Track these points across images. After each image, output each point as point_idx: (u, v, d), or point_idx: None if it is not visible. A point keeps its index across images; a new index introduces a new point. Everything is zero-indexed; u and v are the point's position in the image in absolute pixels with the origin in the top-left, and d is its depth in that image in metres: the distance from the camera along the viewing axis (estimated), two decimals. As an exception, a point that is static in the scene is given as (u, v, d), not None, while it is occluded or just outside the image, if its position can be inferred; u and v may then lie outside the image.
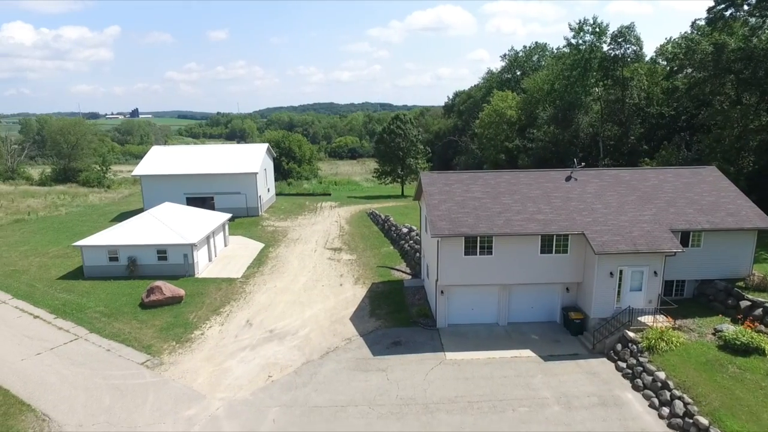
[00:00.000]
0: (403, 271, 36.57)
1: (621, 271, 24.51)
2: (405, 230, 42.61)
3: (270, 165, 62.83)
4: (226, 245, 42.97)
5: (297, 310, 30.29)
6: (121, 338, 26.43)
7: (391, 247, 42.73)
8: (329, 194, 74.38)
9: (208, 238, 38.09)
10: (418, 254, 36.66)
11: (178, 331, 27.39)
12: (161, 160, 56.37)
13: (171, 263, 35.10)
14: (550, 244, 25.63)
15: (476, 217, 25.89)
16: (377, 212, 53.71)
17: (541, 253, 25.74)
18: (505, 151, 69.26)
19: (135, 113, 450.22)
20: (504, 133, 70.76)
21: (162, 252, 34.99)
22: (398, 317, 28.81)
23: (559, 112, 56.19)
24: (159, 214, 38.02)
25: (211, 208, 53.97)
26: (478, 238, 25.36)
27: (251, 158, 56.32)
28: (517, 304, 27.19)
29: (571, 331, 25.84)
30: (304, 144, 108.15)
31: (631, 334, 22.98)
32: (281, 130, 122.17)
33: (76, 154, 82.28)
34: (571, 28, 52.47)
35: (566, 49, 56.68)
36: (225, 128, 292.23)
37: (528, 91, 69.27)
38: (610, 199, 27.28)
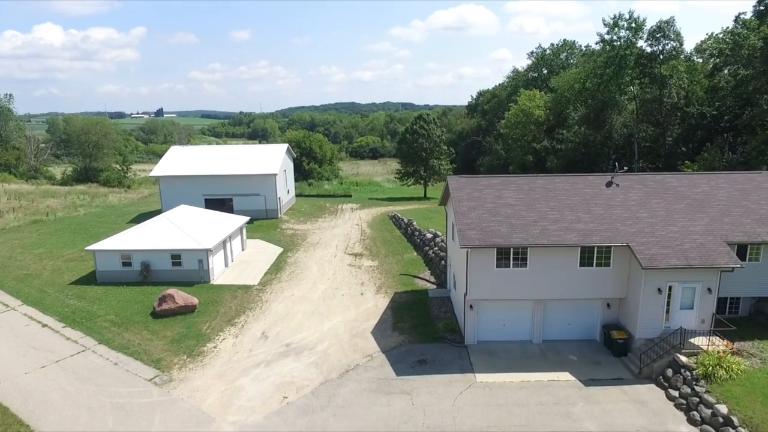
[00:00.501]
0: (427, 280, 34.60)
1: (670, 287, 22.15)
2: (429, 236, 40.60)
3: (290, 166, 61.49)
4: (243, 249, 41.60)
5: (315, 321, 28.60)
6: (130, 350, 25.09)
7: (415, 254, 40.79)
8: (350, 196, 72.78)
9: (224, 242, 36.73)
10: (443, 262, 34.64)
11: (190, 343, 25.95)
12: (180, 160, 55.47)
13: (185, 269, 33.81)
14: (590, 256, 23.38)
15: (509, 226, 23.79)
16: (400, 215, 51.81)
17: (581, 266, 23.52)
18: (532, 152, 66.69)
19: (160, 113, 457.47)
20: (531, 133, 68.18)
21: (176, 257, 33.71)
22: (423, 332, 26.88)
23: (591, 112, 53.48)
24: (174, 218, 36.80)
25: (230, 209, 52.87)
26: (512, 250, 23.27)
27: (271, 159, 55.01)
28: (552, 320, 25.01)
29: (613, 352, 23.55)
30: (325, 144, 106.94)
31: (684, 359, 20.61)
32: (302, 130, 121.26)
33: (97, 153, 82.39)
34: (605, 24, 49.75)
35: (598, 46, 53.86)
36: (247, 128, 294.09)
37: (557, 90, 66.53)
38: (657, 207, 24.86)
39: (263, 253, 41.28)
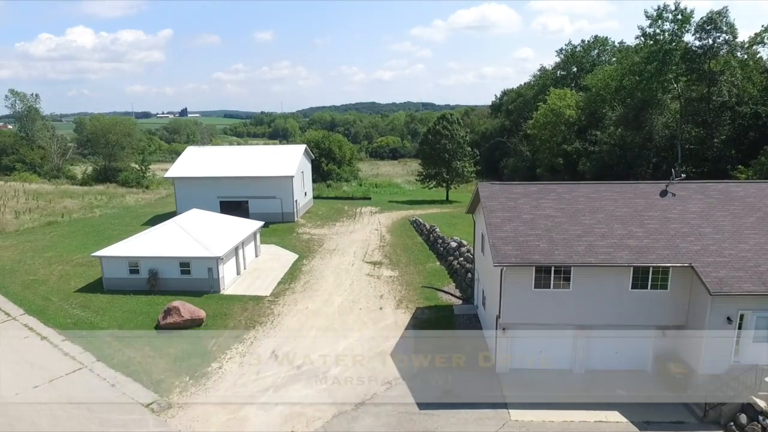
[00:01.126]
0: (452, 294, 31.88)
1: (742, 316, 19.04)
2: (454, 244, 37.84)
3: (308, 167, 59.36)
4: (257, 255, 39.48)
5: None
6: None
7: (438, 263, 38.08)
8: (369, 198, 70.37)
9: (236, 249, 34.61)
10: (469, 275, 31.88)
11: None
12: (195, 161, 53.79)
13: (195, 278, 31.77)
14: (644, 277, 20.39)
15: (550, 241, 20.95)
16: (421, 220, 49.12)
17: (633, 288, 20.56)
18: (562, 154, 63.20)
19: (184, 112, 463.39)
20: (561, 134, 64.71)
21: (185, 265, 31.69)
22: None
23: (630, 112, 49.85)
24: (185, 223, 34.80)
25: (246, 212, 50.96)
26: (553, 269, 20.43)
27: (288, 161, 52.89)
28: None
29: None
30: (345, 144, 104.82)
31: (762, 404, 17.51)
32: (321, 130, 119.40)
33: (117, 153, 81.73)
34: (647, 16, 46.09)
35: (636, 41, 50.17)
36: (268, 127, 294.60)
37: (590, 88, 62.89)
38: (722, 221, 21.70)
39: (277, 260, 39.08)
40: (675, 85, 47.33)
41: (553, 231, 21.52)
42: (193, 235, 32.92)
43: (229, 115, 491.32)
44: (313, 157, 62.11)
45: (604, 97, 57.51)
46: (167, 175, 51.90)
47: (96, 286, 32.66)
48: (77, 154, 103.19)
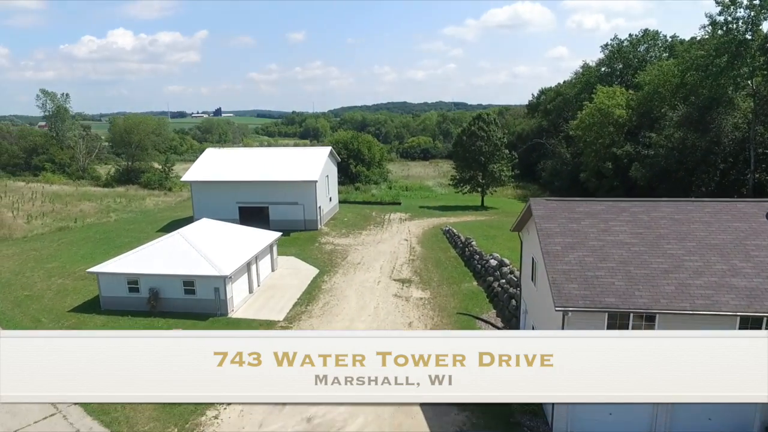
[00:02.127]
0: (492, 325, 27.36)
1: None
2: (494, 263, 33.25)
3: (333, 170, 55.62)
4: (273, 269, 35.82)
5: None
6: (110, 418, 19.51)
7: (474, 283, 33.58)
8: (399, 203, 66.14)
9: (248, 264, 31.00)
10: (513, 301, 27.31)
11: (186, 408, 20.08)
12: (215, 164, 50.75)
13: (200, 298, 28.28)
14: (755, 328, 15.50)
15: (627, 277, 16.29)
16: (455, 231, 44.64)
17: (739, 341, 15.65)
18: (611, 157, 57.53)
19: (218, 112, 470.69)
20: (609, 136, 58.99)
21: (189, 284, 28.21)
22: (490, 410, 19.75)
23: (694, 112, 44.06)
24: (192, 235, 31.33)
25: (266, 219, 47.65)
26: (631, 315, 15.78)
27: (311, 164, 49.22)
28: (684, 409, 17.25)
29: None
30: (374, 145, 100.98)
31: None
32: (350, 131, 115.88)
33: (139, 153, 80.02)
34: (717, 2, 40.22)
35: (703, 31, 44.26)
36: (299, 127, 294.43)
37: (643, 86, 56.99)
38: None
39: (295, 275, 35.33)
40: (749, 81, 41.32)
41: (631, 263, 16.83)
42: (199, 249, 29.39)
43: (261, 114, 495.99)
44: (339, 160, 58.41)
45: (662, 95, 51.64)
46: (184, 178, 49.01)
47: (93, 305, 29.58)
48: (111, 153, 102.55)
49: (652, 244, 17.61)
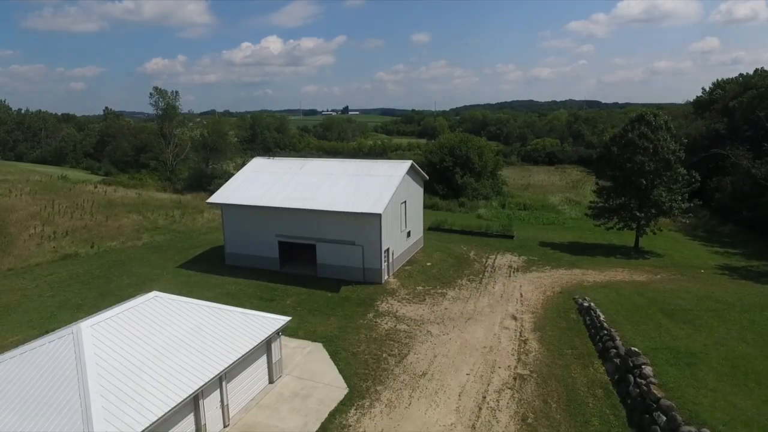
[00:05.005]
0: None
1: None
2: (677, 419, 14.97)
3: (417, 192, 39.71)
4: (273, 380, 21.12)
5: None
6: None
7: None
8: (512, 236, 48.14)
9: (199, 397, 16.56)
10: None
11: None
12: (256, 181, 37.68)
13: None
14: None
15: None
16: (598, 312, 26.30)
17: None
18: None
19: (345, 110, 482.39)
20: None
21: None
22: None
23: None
24: (105, 335, 17.27)
25: (312, 261, 33.69)
26: None
27: (379, 188, 33.76)
28: None
29: None
30: (488, 151, 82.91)
31: None
32: (460, 133, 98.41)
33: (214, 156, 71.40)
34: None
35: None
36: (418, 125, 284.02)
37: None
38: None
39: (306, 397, 20.20)
40: None
41: None
42: (93, 378, 15.29)
43: (385, 112, 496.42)
44: (427, 178, 42.21)
45: None
46: (211, 200, 36.54)
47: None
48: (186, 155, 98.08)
49: None
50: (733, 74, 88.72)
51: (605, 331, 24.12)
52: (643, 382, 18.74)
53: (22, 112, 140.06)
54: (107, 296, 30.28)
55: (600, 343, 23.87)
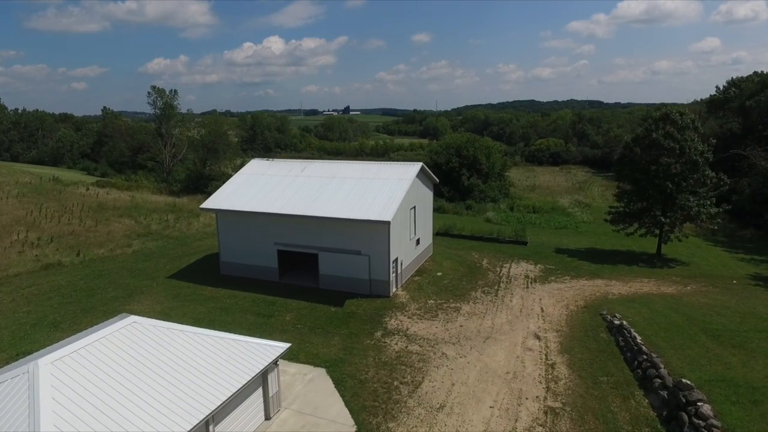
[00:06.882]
0: None
1: None
2: None
3: (426, 196, 37.01)
4: (270, 416, 18.40)
5: None
6: None
7: None
8: (525, 242, 45.41)
9: (201, 431, 13.86)
10: None
11: None
12: (254, 184, 35.01)
13: None
14: None
15: None
16: (633, 333, 23.57)
17: None
18: None
19: (346, 110, 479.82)
20: None
21: None
22: None
23: None
24: (67, 376, 14.69)
25: (314, 271, 31.10)
26: None
27: (387, 193, 31.07)
28: None
29: None
30: (495, 152, 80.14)
31: None
32: (465, 133, 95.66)
33: (213, 157, 68.70)
34: None
35: None
36: (419, 125, 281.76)
37: None
38: None
39: (308, 438, 17.51)
40: None
41: None
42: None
43: (386, 112, 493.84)
44: (437, 180, 39.51)
45: None
46: (204, 206, 33.82)
47: None
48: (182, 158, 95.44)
49: None
50: (734, 74, 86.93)
51: (644, 356, 21.38)
52: (702, 423, 16.03)
53: (19, 111, 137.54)
54: (89, 312, 27.63)
55: (639, 370, 21.14)
